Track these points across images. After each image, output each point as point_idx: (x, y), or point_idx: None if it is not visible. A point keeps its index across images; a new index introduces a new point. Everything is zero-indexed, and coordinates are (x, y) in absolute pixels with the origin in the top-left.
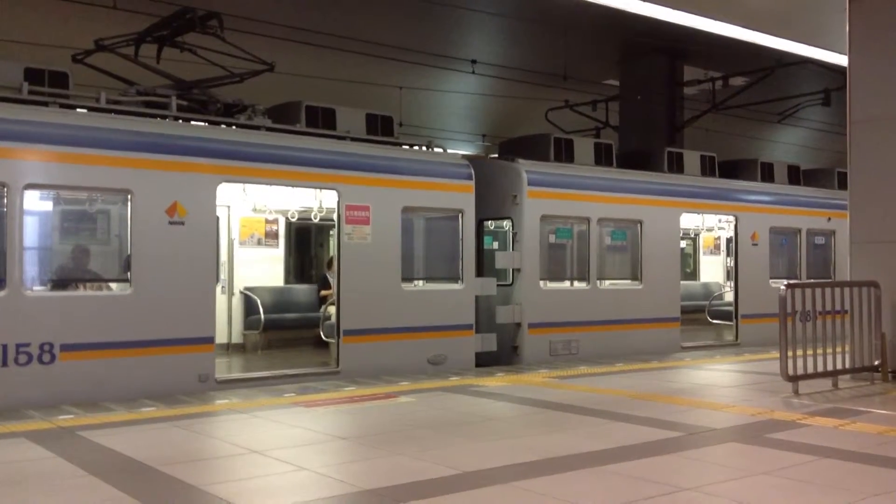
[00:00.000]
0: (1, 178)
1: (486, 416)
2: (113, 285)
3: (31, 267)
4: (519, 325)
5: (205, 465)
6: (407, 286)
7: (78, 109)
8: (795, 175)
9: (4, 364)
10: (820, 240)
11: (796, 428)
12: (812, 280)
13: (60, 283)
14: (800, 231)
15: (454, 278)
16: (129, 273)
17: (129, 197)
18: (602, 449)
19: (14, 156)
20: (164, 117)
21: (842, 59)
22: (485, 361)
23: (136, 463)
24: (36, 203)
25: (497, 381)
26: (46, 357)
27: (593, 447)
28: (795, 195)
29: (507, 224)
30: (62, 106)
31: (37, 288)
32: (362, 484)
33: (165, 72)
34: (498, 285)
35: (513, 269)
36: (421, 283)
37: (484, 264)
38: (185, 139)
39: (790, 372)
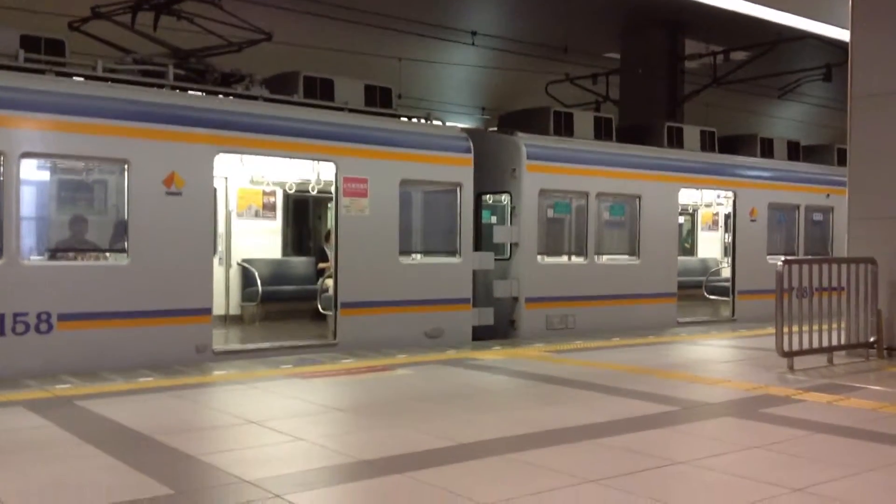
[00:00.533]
0: None
1: (483, 389)
2: (110, 255)
3: (28, 236)
4: (516, 299)
5: (202, 435)
6: (405, 259)
7: (74, 78)
8: (795, 151)
9: (2, 333)
10: (818, 216)
11: (791, 403)
12: (810, 256)
13: (57, 252)
14: (798, 207)
15: (452, 252)
16: (126, 243)
17: (126, 167)
18: (597, 422)
19: (10, 124)
20: (160, 86)
21: (844, 34)
22: (482, 335)
23: (133, 432)
24: (33, 172)
25: (494, 354)
26: (44, 326)
27: (588, 420)
28: (794, 171)
29: (505, 198)
30: (58, 74)
31: (34, 257)
32: (359, 454)
33: (162, 40)
34: (496, 259)
35: (511, 244)
36: (419, 256)
37: (482, 238)
38: (182, 109)
39: (785, 348)
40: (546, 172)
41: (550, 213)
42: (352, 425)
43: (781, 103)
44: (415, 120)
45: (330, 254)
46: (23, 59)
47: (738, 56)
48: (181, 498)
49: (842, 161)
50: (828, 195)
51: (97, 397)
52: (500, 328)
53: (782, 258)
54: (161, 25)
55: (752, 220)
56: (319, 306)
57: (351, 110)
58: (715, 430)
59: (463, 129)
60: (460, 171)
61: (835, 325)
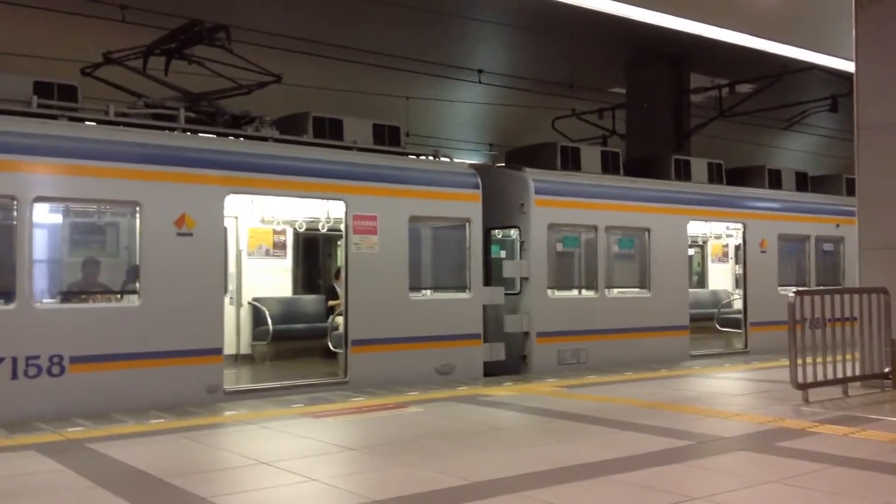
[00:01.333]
0: (10, 192)
1: (495, 426)
2: (122, 297)
3: (40, 280)
4: (527, 333)
5: (214, 477)
6: (415, 296)
7: (87, 122)
8: (803, 181)
9: (14, 377)
10: (829, 246)
11: (806, 436)
12: (821, 287)
13: (69, 295)
14: (808, 238)
15: (462, 287)
16: (137, 285)
17: (138, 209)
18: (611, 458)
19: (23, 169)
20: (172, 129)
21: (849, 66)
22: (493, 371)
23: (145, 475)
24: (45, 216)
25: (505, 390)
26: (56, 369)
27: (602, 456)
28: (803, 202)
29: (514, 233)
30: (71, 119)
31: (46, 300)
32: (372, 494)
33: (174, 84)
34: (506, 294)
35: (520, 278)
36: (429, 292)
37: (492, 273)
38: (193, 151)
39: (800, 380)
40: (554, 207)
41: (560, 247)
42: (364, 465)
43: (788, 134)
44: (423, 157)
45: (340, 291)
46: (36, 105)
47: (744, 88)
48: None
49: (851, 191)
50: (837, 225)
51: (109, 440)
52: (511, 363)
53: (794, 289)
54: (172, 69)
55: (763, 252)
56: (330, 344)
57: (360, 149)
58: (730, 464)
59: (471, 166)
60: (469, 206)
61: (849, 356)
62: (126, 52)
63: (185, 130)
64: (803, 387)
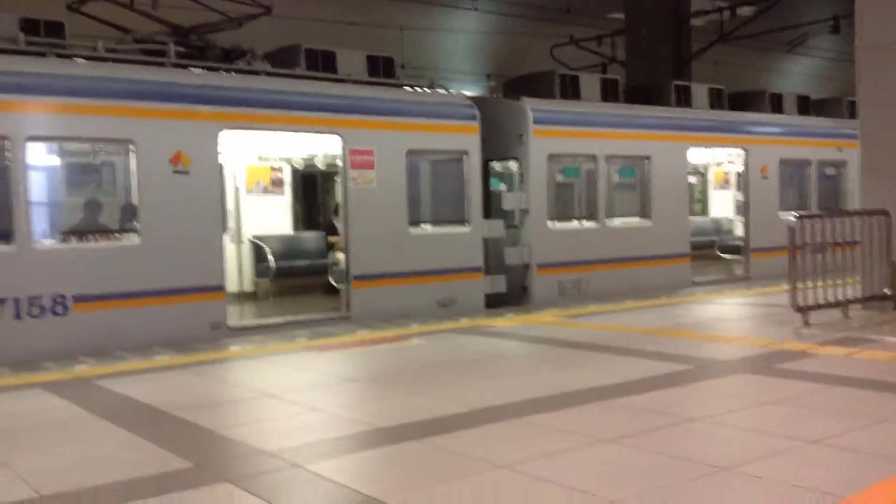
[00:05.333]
0: (2, 131)
1: (497, 355)
2: (121, 236)
3: (38, 220)
4: (528, 265)
5: (220, 409)
6: (414, 230)
7: (76, 59)
8: (805, 106)
9: (18, 317)
10: (831, 171)
11: (806, 358)
12: (823, 211)
13: (69, 235)
14: (810, 162)
15: (461, 221)
16: (136, 223)
17: (132, 147)
18: (611, 383)
19: (14, 108)
20: (162, 65)
21: None
22: (494, 303)
23: (151, 409)
24: (39, 155)
25: (507, 321)
26: (60, 309)
27: (603, 382)
28: (805, 126)
29: (513, 164)
30: (59, 56)
31: (45, 241)
32: (377, 422)
33: (162, 18)
34: (506, 227)
35: (520, 210)
36: (428, 226)
37: (491, 206)
38: (185, 87)
39: (800, 303)
40: (553, 137)
41: (559, 177)
42: (367, 395)
43: (790, 58)
44: (419, 89)
45: (340, 227)
46: (23, 43)
47: (745, 11)
48: (201, 471)
49: (853, 114)
50: (840, 149)
51: (115, 376)
52: (512, 295)
53: (795, 214)
54: (160, 3)
55: (764, 178)
56: (332, 280)
57: (354, 82)
58: (730, 386)
59: (468, 97)
60: (467, 139)
61: (850, 280)
62: None
63: (175, 66)
64: (803, 310)
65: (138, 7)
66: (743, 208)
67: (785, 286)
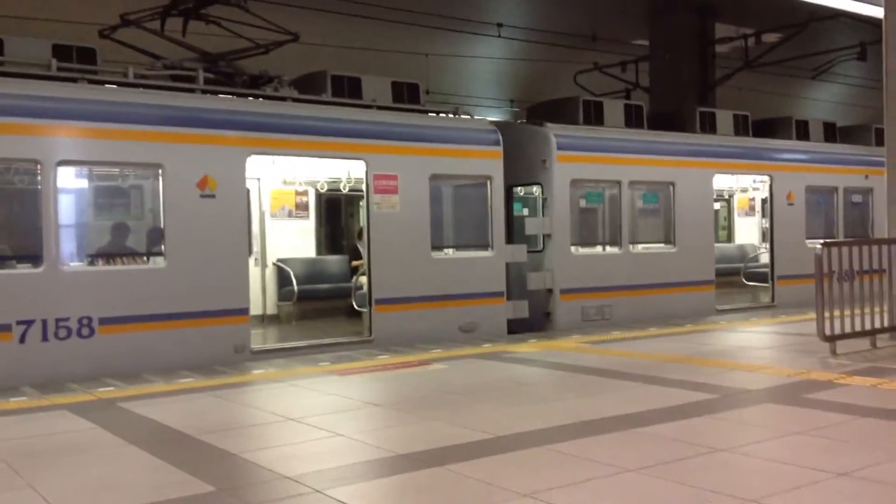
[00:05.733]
0: (34, 156)
1: (519, 382)
2: (148, 259)
3: (66, 243)
4: (551, 291)
5: (243, 433)
6: (437, 254)
7: (107, 85)
8: (831, 132)
9: (45, 339)
10: (857, 198)
11: (833, 388)
12: (850, 238)
13: (96, 257)
14: (836, 189)
15: (484, 245)
16: (163, 247)
17: (161, 171)
18: (636, 412)
19: (46, 133)
20: (191, 91)
21: (877, 11)
22: (517, 328)
23: (175, 432)
24: (69, 179)
25: (529, 347)
26: (86, 331)
27: (627, 410)
28: (831, 153)
29: (536, 189)
30: (91, 82)
31: (73, 263)
32: (398, 449)
33: (191, 45)
34: (529, 252)
35: (543, 235)
36: (451, 251)
37: (514, 231)
38: (213, 112)
39: (827, 332)
40: (577, 162)
41: (583, 203)
42: (389, 420)
43: (816, 84)
44: (443, 115)
45: (363, 251)
46: (56, 68)
47: (770, 38)
48: (223, 495)
49: (880, 141)
50: (867, 176)
51: (139, 399)
52: (535, 321)
53: (821, 241)
54: (190, 30)
55: (790, 204)
56: (354, 303)
57: (379, 107)
58: (757, 416)
59: (491, 122)
60: (490, 163)
61: (877, 309)
62: (143, 14)
63: (204, 91)
64: (831, 339)
65: (168, 34)
66: (768, 235)
67: (811, 314)
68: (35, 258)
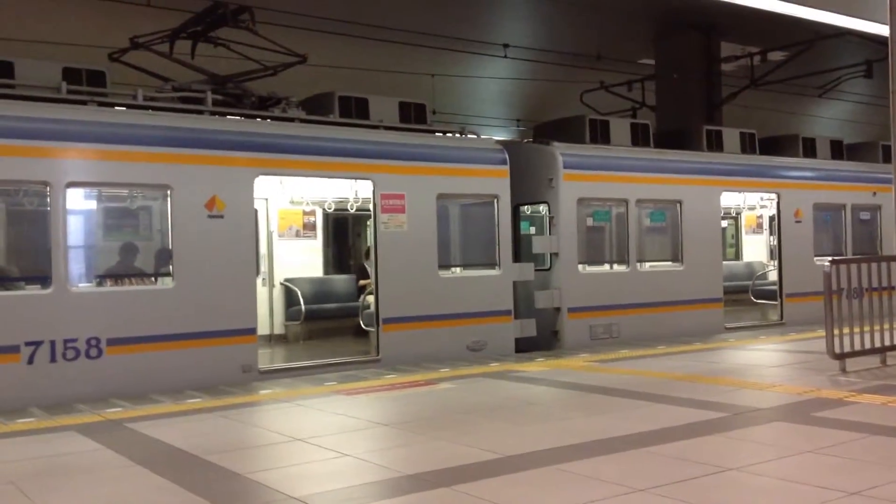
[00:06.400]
0: (44, 177)
1: (527, 401)
2: (156, 280)
3: (75, 264)
4: (558, 309)
5: (250, 454)
6: (444, 273)
7: (116, 107)
8: (838, 150)
9: (53, 360)
10: (865, 215)
11: (844, 406)
12: (858, 256)
13: (105, 278)
14: (844, 207)
15: (491, 264)
16: (171, 267)
17: (169, 192)
18: (645, 431)
19: (55, 155)
20: (200, 112)
21: (883, 29)
22: (525, 347)
23: (182, 453)
24: (78, 201)
25: (537, 366)
26: (94, 352)
27: (636, 429)
28: (839, 170)
29: (543, 208)
30: (100, 104)
31: (82, 284)
32: (405, 469)
33: (200, 67)
34: (536, 270)
35: (550, 254)
36: (458, 269)
37: (521, 249)
38: (221, 133)
39: (836, 350)
40: (584, 181)
41: (590, 221)
42: (396, 440)
43: (822, 102)
44: (450, 134)
45: (370, 270)
46: (65, 91)
47: (776, 56)
48: None
49: (887, 158)
50: (874, 193)
51: (147, 419)
52: (542, 340)
53: (829, 259)
54: (198, 53)
55: (798, 222)
56: (362, 323)
57: (386, 128)
58: (766, 435)
59: (498, 141)
60: (497, 182)
61: (887, 326)
62: (152, 37)
63: (212, 113)
64: (840, 357)
65: (177, 56)
66: (776, 253)
67: (820, 332)
68: (44, 279)
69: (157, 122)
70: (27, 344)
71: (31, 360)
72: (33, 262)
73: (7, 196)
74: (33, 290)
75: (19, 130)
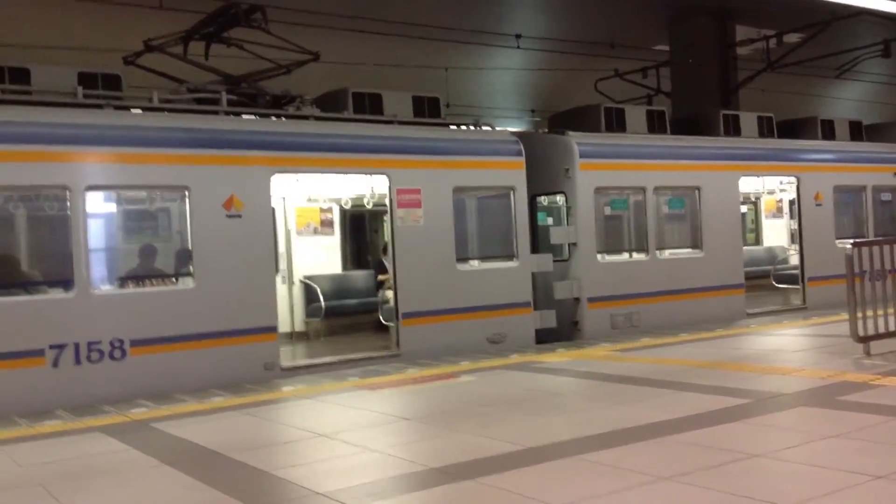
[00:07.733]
0: (63, 182)
1: (549, 392)
2: (177, 280)
3: (97, 267)
4: (578, 299)
5: (274, 451)
6: (462, 266)
7: (132, 110)
8: (858, 131)
9: (78, 362)
10: (887, 196)
11: (868, 389)
12: (881, 237)
13: (126, 280)
14: (865, 188)
15: (509, 256)
16: (191, 267)
17: (187, 193)
18: (669, 419)
19: (74, 159)
20: (215, 113)
21: None
22: (545, 338)
23: (207, 451)
24: (98, 204)
25: (558, 356)
26: (118, 353)
27: (659, 417)
28: (859, 152)
29: (560, 198)
30: (116, 107)
31: (104, 287)
32: (429, 462)
33: (214, 68)
34: (554, 261)
35: (569, 244)
36: (476, 262)
37: (539, 240)
38: (237, 133)
39: (860, 333)
40: (600, 170)
41: (608, 210)
42: (420, 434)
43: (840, 83)
44: (464, 127)
45: (388, 265)
46: (81, 96)
47: (792, 38)
48: None
49: None
50: (895, 174)
51: (172, 419)
52: (563, 330)
53: (851, 241)
54: (212, 53)
55: (818, 205)
56: (381, 318)
57: (400, 122)
58: (791, 420)
59: (513, 133)
60: (513, 174)
61: None
62: (166, 39)
63: (227, 113)
64: (864, 340)
65: (191, 58)
66: (797, 237)
67: (844, 315)
68: (66, 283)
69: (173, 124)
70: (52, 347)
71: (55, 363)
72: (55, 266)
73: (28, 201)
74: (56, 294)
75: (37, 136)
